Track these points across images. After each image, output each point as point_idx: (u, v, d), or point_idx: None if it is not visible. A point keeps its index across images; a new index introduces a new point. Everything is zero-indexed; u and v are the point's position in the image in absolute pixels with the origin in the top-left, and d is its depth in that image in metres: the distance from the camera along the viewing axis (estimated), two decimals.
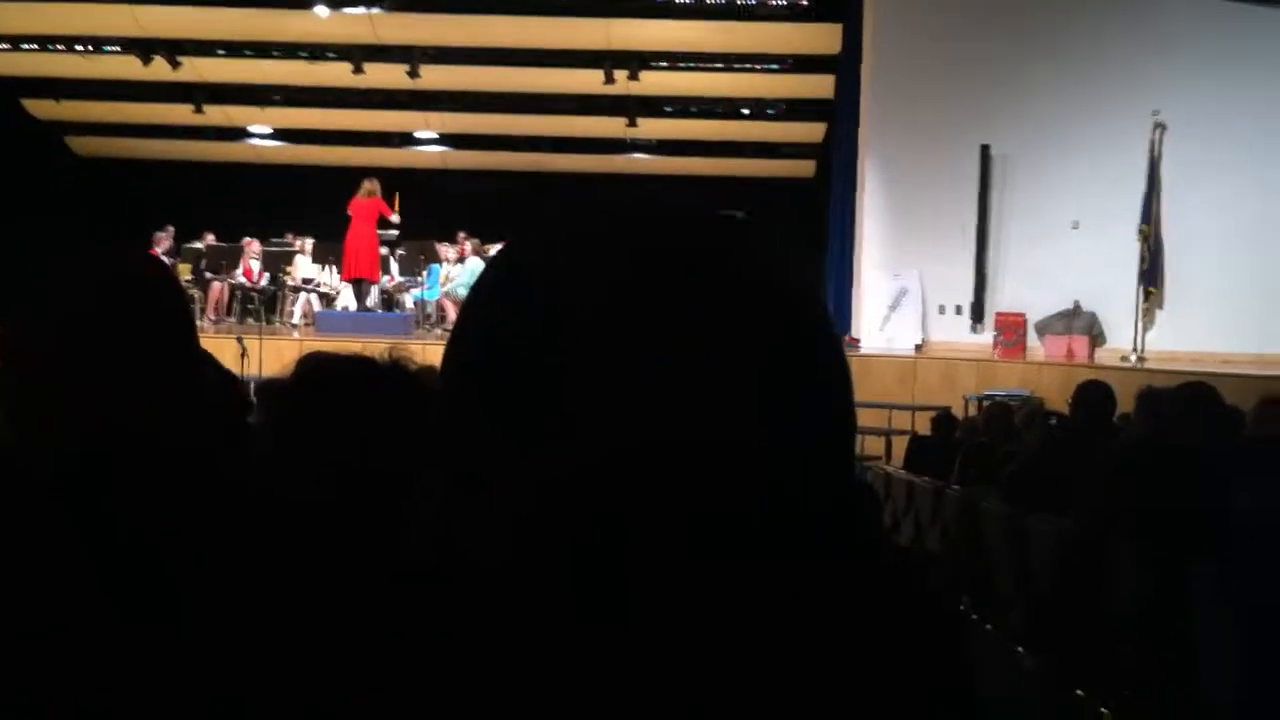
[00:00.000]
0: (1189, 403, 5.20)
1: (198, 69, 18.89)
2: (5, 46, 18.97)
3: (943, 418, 10.17)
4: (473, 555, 0.71)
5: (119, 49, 18.59)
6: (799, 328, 0.74)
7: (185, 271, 16.91)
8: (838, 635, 0.71)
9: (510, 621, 0.70)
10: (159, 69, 18.53)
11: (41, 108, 20.41)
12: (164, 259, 16.60)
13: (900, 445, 11.83)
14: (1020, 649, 5.85)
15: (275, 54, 18.95)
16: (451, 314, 16.39)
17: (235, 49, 18.86)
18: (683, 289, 0.72)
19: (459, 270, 16.66)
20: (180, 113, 20.10)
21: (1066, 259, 14.61)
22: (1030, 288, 14.80)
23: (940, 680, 0.74)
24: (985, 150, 15.11)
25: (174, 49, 18.37)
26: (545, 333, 0.70)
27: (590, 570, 0.69)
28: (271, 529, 1.42)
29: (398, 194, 16.63)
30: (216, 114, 20.27)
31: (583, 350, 0.70)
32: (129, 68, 18.70)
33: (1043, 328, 14.72)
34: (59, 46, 18.86)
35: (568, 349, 0.70)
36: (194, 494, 1.37)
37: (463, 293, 16.36)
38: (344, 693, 0.97)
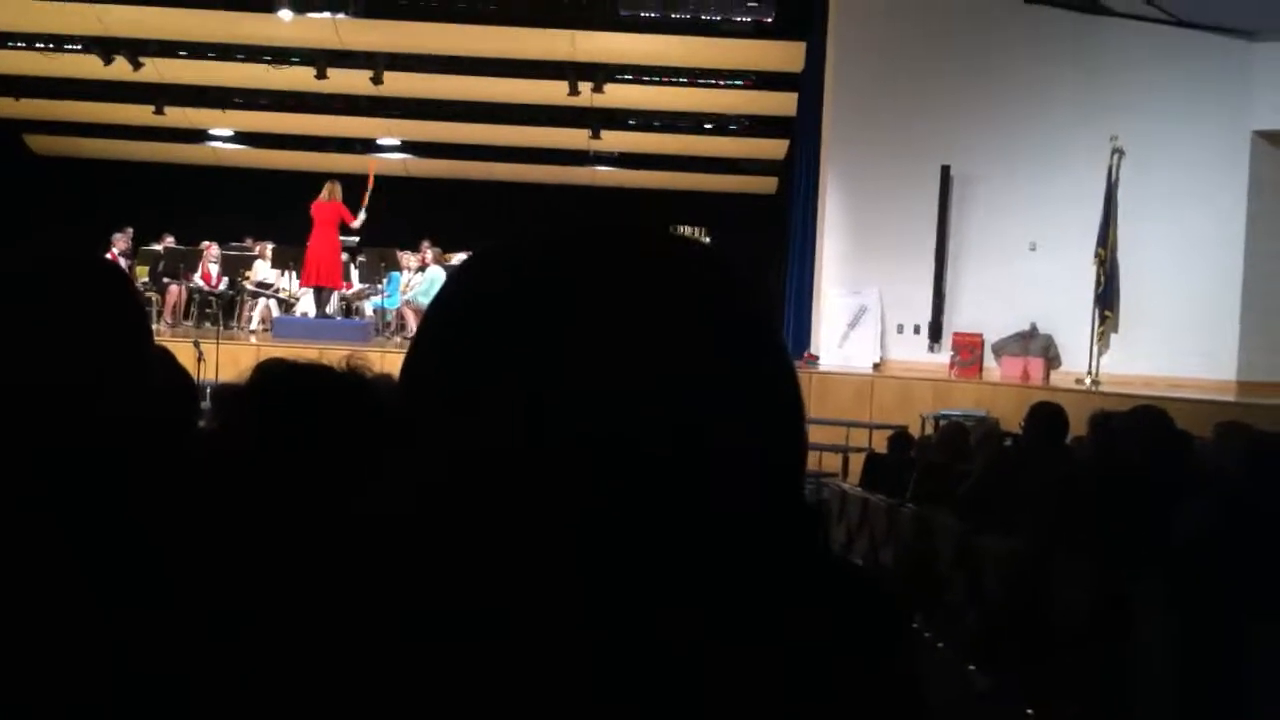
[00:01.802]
0: (1140, 426, 5.27)
1: (159, 70, 18.76)
2: None
3: (899, 436, 10.24)
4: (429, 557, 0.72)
5: (80, 48, 18.44)
6: (751, 348, 0.75)
7: (143, 274, 16.79)
8: (788, 645, 0.72)
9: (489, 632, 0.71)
10: (120, 69, 18.39)
11: (0, 105, 20.22)
12: (121, 260, 16.52)
13: (857, 462, 11.90)
14: (972, 666, 5.91)
15: (238, 57, 18.83)
16: (411, 322, 16.34)
17: (198, 51, 18.74)
18: (640, 303, 0.73)
19: (420, 279, 16.62)
20: (141, 113, 19.94)
21: (1024, 280, 14.75)
22: (988, 308, 14.92)
23: (891, 691, 0.76)
24: (945, 171, 15.22)
25: (136, 49, 18.23)
26: (508, 343, 0.72)
27: (554, 575, 0.70)
28: (215, 526, 1.41)
29: (372, 176, 16.51)
30: (177, 115, 20.13)
31: (544, 362, 0.71)
32: (90, 67, 18.56)
33: (999, 349, 14.83)
34: (19, 44, 18.69)
35: (530, 359, 0.71)
36: (135, 490, 1.37)
37: (423, 301, 16.37)
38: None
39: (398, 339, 16.20)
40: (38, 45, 18.54)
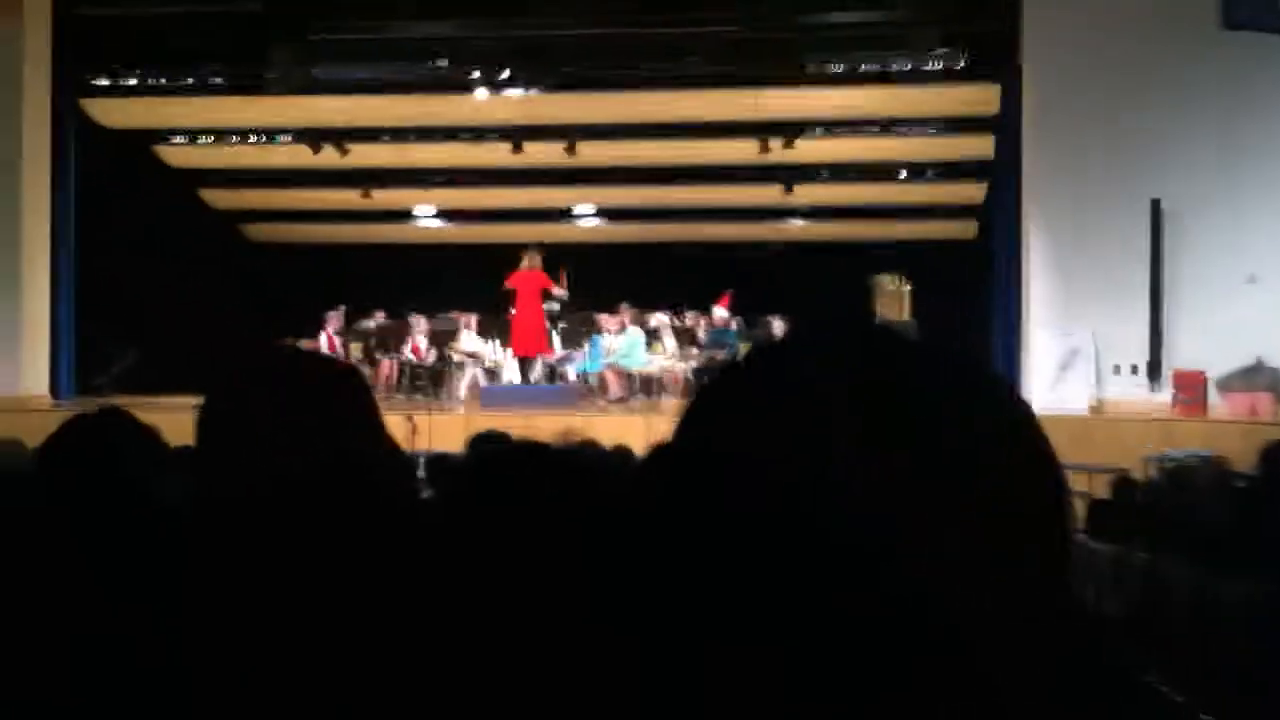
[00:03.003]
0: None
1: (364, 155, 19.53)
2: (183, 140, 19.88)
3: (1122, 481, 9.85)
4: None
5: (290, 139, 19.34)
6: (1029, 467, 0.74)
7: (356, 350, 17.39)
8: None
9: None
10: (328, 157, 19.21)
11: (217, 197, 21.31)
12: (335, 338, 17.16)
13: (1077, 508, 11.49)
14: None
15: (438, 137, 19.50)
16: (613, 385, 16.51)
17: (399, 134, 19.48)
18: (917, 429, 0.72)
19: (620, 341, 16.79)
20: (348, 198, 20.79)
21: (1245, 315, 14.14)
22: (1208, 345, 14.34)
23: None
24: (1156, 204, 14.73)
25: (342, 136, 19.03)
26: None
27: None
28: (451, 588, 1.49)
29: (564, 269, 16.83)
30: (383, 197, 20.91)
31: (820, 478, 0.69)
32: (300, 156, 19.43)
33: (1224, 385, 14.22)
34: (234, 139, 19.71)
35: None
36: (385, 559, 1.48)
37: (624, 363, 16.55)
38: None
39: (600, 402, 16.37)
40: (250, 139, 19.52)
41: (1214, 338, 14.32)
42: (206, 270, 19.70)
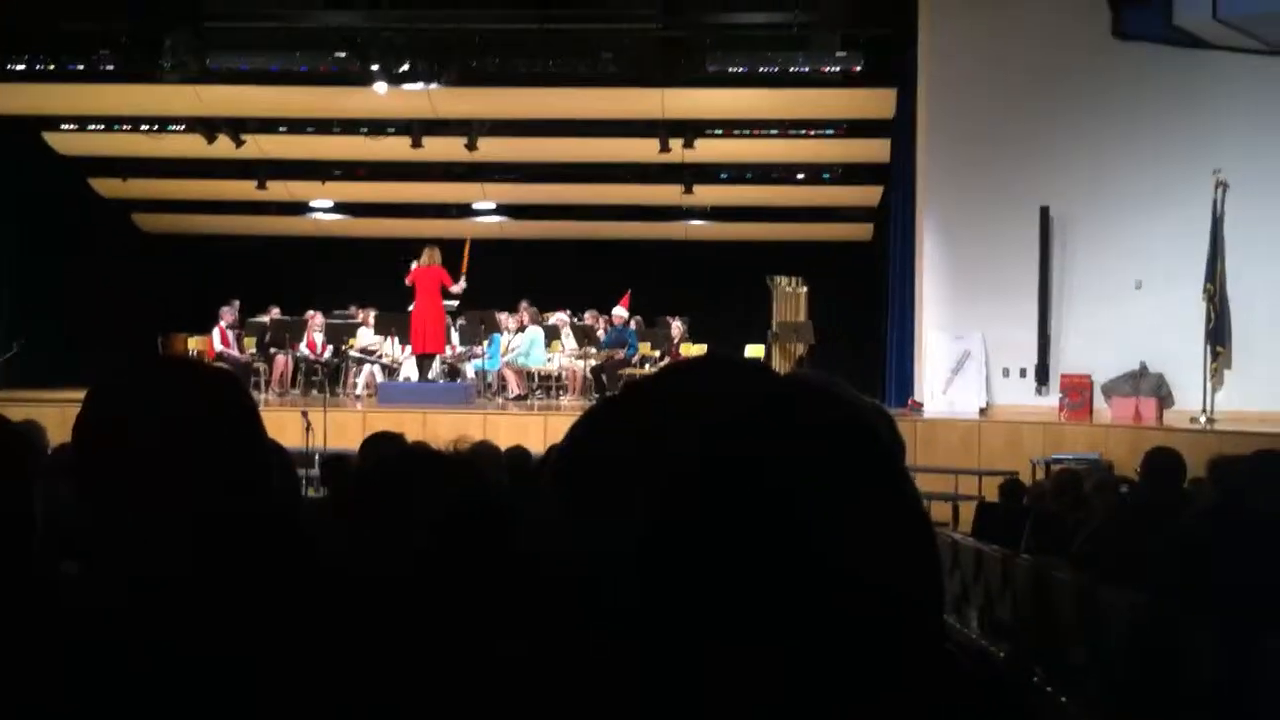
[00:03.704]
0: (1262, 471, 5.10)
1: (260, 146, 19.24)
2: (73, 127, 19.43)
3: (1010, 484, 10.06)
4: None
5: (184, 128, 18.99)
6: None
7: (250, 345, 17.14)
8: None
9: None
10: (223, 147, 18.89)
11: (108, 186, 20.85)
12: (229, 332, 16.90)
13: (967, 510, 11.70)
14: None
15: (336, 130, 19.27)
16: (513, 383, 16.46)
17: (297, 126, 19.21)
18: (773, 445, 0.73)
19: (520, 339, 16.75)
20: (244, 189, 20.47)
21: (1131, 319, 14.48)
22: (1095, 349, 14.67)
23: None
24: (1045, 211, 15.04)
25: (237, 127, 18.73)
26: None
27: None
28: (349, 601, 1.54)
29: (468, 244, 16.66)
30: (279, 189, 20.62)
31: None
32: (194, 146, 19.09)
33: (1109, 389, 14.56)
34: (125, 127, 19.29)
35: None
36: (279, 569, 1.51)
37: (523, 362, 16.51)
38: None
39: (499, 400, 16.32)
40: (143, 128, 19.11)
41: (1101, 342, 14.65)
42: (97, 261, 19.27)
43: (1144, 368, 14.40)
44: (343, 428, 13.04)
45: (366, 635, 1.47)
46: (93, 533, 1.52)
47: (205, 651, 1.39)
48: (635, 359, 16.51)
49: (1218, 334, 13.55)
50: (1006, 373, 15.39)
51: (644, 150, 18.69)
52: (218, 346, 16.80)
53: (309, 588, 1.51)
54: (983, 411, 15.09)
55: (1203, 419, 13.04)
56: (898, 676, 0.73)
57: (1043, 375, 15.12)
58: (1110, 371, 14.58)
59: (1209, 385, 13.36)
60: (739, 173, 20.04)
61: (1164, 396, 14.26)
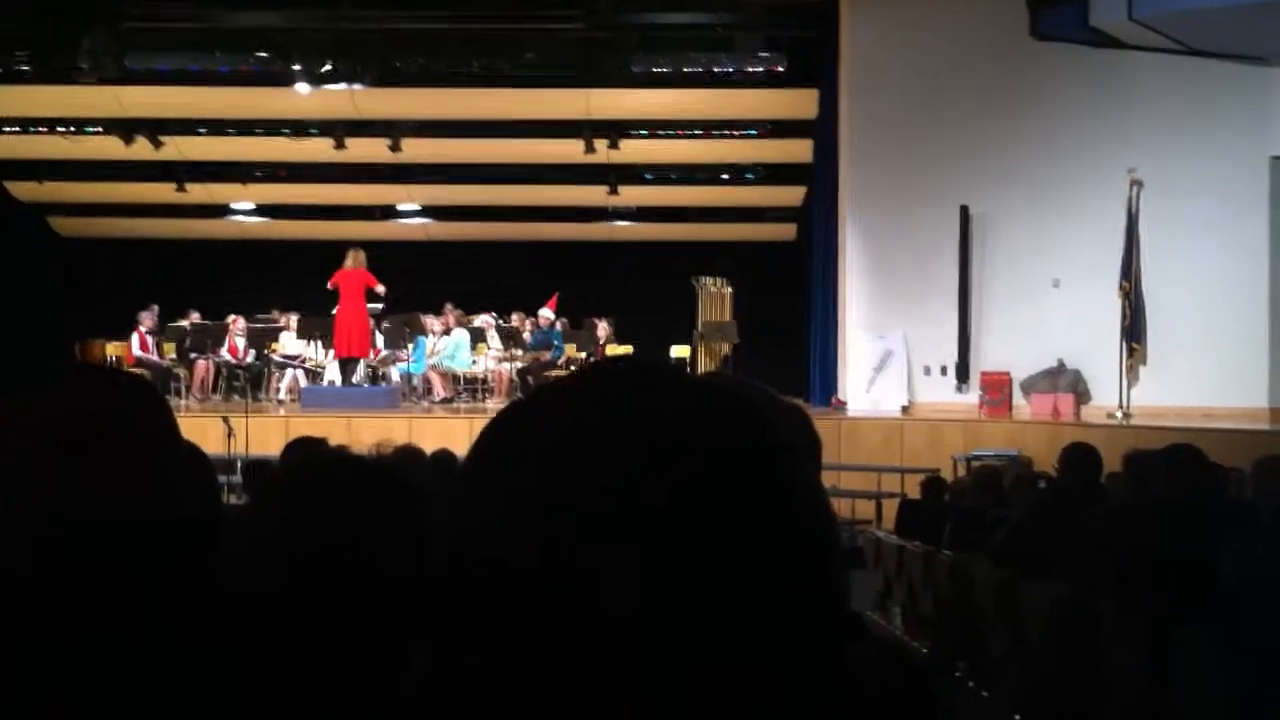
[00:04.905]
0: (1174, 466, 5.22)
1: (180, 148, 18.98)
2: None
3: (931, 481, 10.18)
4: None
5: (101, 130, 18.68)
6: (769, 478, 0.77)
7: (170, 350, 16.89)
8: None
9: None
10: (141, 149, 18.61)
11: (24, 189, 20.47)
12: (148, 337, 16.64)
13: (890, 508, 11.83)
14: (1017, 716, 5.83)
15: (257, 131, 19.05)
16: (438, 386, 16.39)
17: (217, 127, 18.98)
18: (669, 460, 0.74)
19: (445, 342, 16.67)
20: (163, 191, 20.17)
21: (1049, 317, 14.71)
22: (1014, 347, 14.88)
23: None
24: (965, 210, 15.22)
25: (156, 129, 18.47)
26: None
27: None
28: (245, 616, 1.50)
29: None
30: (199, 192, 20.34)
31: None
32: (111, 148, 18.78)
33: (1028, 386, 14.77)
34: (41, 128, 18.95)
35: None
36: (171, 584, 1.49)
37: (449, 364, 16.43)
38: None
39: (424, 403, 16.23)
40: (59, 129, 18.78)
41: (1020, 340, 14.86)
42: (12, 264, 18.90)
43: (1061, 365, 14.63)
44: (265, 433, 12.91)
45: (276, 645, 1.47)
46: None
47: (76, 654, 1.39)
48: (561, 360, 16.49)
49: (1133, 331, 13.80)
50: (928, 371, 15.57)
51: (569, 151, 18.67)
52: (136, 352, 16.54)
53: (213, 596, 1.51)
54: (905, 410, 15.25)
55: (1119, 414, 13.29)
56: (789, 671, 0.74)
57: (963, 373, 15.32)
58: (1029, 369, 14.80)
59: (1125, 381, 13.62)
60: (663, 173, 20.08)
61: (1081, 393, 14.51)
